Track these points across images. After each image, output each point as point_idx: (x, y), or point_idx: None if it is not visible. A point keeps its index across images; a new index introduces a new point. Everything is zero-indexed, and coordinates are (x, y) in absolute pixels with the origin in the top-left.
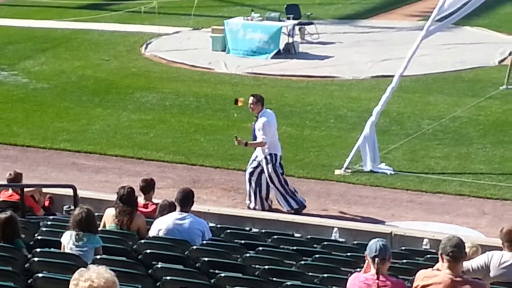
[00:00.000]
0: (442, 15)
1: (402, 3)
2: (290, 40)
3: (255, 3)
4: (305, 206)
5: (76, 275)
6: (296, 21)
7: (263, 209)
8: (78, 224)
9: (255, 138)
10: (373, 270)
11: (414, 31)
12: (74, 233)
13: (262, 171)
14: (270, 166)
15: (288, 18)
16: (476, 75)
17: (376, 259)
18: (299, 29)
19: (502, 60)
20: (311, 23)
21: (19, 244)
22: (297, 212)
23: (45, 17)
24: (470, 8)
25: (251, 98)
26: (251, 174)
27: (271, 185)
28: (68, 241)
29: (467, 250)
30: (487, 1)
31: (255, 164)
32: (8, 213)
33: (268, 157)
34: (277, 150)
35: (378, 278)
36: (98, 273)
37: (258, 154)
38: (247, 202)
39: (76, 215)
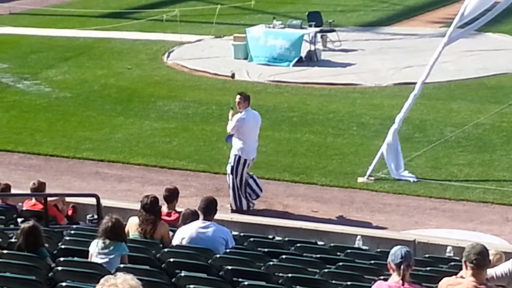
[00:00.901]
0: (464, 22)
1: (424, 10)
2: (312, 47)
3: (277, 11)
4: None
5: (102, 280)
6: (318, 29)
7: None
8: (105, 232)
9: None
10: (396, 278)
11: (436, 37)
12: (101, 241)
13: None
14: (230, 166)
15: (310, 26)
16: (499, 82)
17: (402, 266)
18: (321, 37)
19: None
20: (333, 31)
21: (43, 253)
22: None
23: (68, 26)
24: (492, 15)
25: (238, 96)
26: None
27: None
28: (94, 249)
29: (491, 257)
30: (509, 7)
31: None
32: (31, 222)
33: (234, 157)
34: (246, 155)
35: (403, 285)
36: (124, 279)
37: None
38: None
39: (104, 223)
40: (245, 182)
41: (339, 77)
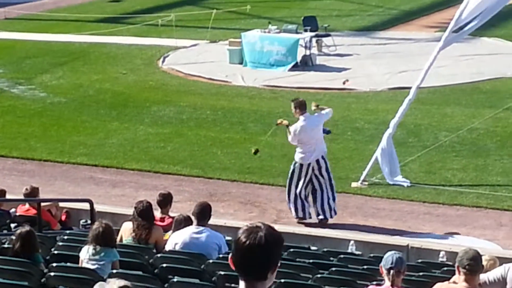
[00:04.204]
0: (459, 26)
1: (419, 14)
2: (308, 52)
3: (272, 16)
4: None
5: (96, 286)
6: (313, 33)
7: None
8: (95, 238)
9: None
10: (387, 283)
11: (432, 42)
12: (91, 247)
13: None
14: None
15: (305, 30)
16: (494, 86)
17: (392, 271)
18: (316, 41)
19: None
20: (328, 35)
21: (38, 258)
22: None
23: (63, 31)
24: (486, 17)
25: (291, 104)
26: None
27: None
28: (85, 255)
29: (484, 263)
30: (504, 11)
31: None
32: (27, 227)
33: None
34: (302, 160)
35: None
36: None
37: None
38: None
39: (94, 229)
40: (306, 188)
41: (334, 82)
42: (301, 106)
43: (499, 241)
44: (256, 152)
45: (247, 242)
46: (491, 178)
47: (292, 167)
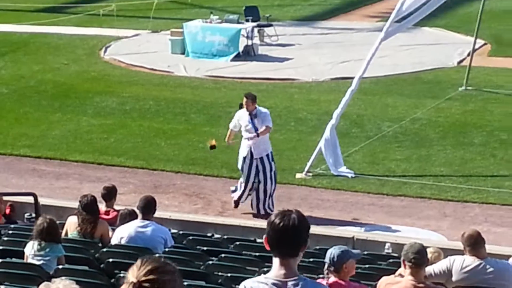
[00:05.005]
0: (401, 16)
1: (361, 4)
2: (250, 42)
3: (214, 5)
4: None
5: (42, 286)
6: (255, 23)
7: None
8: (40, 234)
9: (256, 131)
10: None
11: (373, 32)
12: (36, 242)
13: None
14: (273, 164)
15: (247, 20)
16: (436, 76)
17: (332, 268)
18: (258, 31)
19: (461, 61)
20: (270, 25)
21: None
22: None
23: (2, 21)
24: (428, 9)
25: (245, 99)
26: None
27: (271, 184)
28: (30, 251)
29: (429, 255)
30: (445, 1)
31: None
32: None
33: (270, 154)
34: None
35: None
36: (65, 284)
37: (257, 150)
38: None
39: (38, 225)
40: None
41: (276, 72)
42: (255, 98)
43: (444, 231)
44: (212, 147)
45: (282, 223)
46: (434, 168)
47: (274, 164)
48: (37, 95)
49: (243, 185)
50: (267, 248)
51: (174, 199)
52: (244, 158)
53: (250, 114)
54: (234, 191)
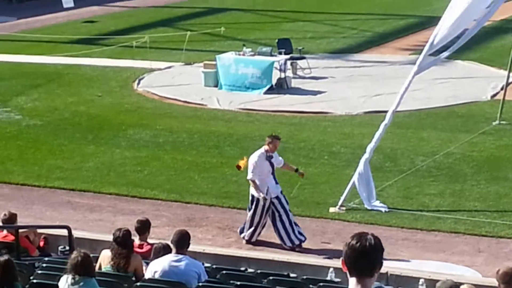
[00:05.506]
0: (434, 50)
1: (393, 37)
2: (282, 75)
3: (247, 37)
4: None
5: None
6: (288, 56)
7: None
8: (74, 268)
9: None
10: None
11: (406, 65)
12: (70, 276)
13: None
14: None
15: (280, 53)
16: (469, 110)
17: None
18: (291, 64)
19: (495, 95)
20: (303, 58)
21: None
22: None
23: (37, 52)
24: (461, 42)
25: (278, 141)
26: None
27: (285, 217)
28: (64, 285)
29: None
30: (478, 35)
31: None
32: (6, 256)
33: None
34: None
35: None
36: None
37: (274, 190)
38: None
39: (73, 258)
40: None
41: (309, 105)
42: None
43: (478, 267)
44: (238, 167)
45: (359, 244)
46: (468, 203)
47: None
48: (71, 127)
49: (254, 223)
50: (344, 269)
51: (208, 233)
52: (258, 200)
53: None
54: (242, 231)
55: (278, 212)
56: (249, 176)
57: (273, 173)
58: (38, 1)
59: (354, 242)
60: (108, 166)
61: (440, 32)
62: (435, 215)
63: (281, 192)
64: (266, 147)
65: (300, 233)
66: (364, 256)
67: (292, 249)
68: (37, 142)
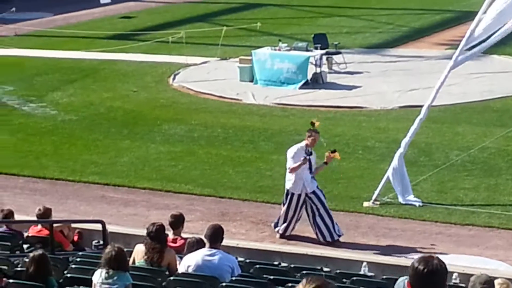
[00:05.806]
0: (471, 45)
1: (430, 32)
2: (318, 70)
3: (283, 33)
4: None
5: None
6: (323, 51)
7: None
8: (108, 262)
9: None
10: None
11: (442, 60)
12: (104, 271)
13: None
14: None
15: (316, 48)
16: (505, 105)
17: None
18: (327, 59)
19: None
20: (339, 53)
21: (51, 282)
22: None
23: (73, 48)
24: (499, 37)
25: (318, 135)
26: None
27: (324, 212)
28: (98, 279)
29: (497, 286)
30: None
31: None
32: (40, 251)
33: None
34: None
35: None
36: None
37: (310, 185)
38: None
39: (107, 253)
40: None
41: (344, 100)
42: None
43: None
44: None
45: (426, 269)
46: (503, 198)
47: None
48: (107, 122)
49: (288, 217)
50: None
51: (241, 227)
52: (298, 195)
53: (308, 151)
54: (276, 225)
55: (316, 206)
56: (289, 164)
57: (310, 168)
58: None
59: (421, 267)
60: (142, 160)
61: (477, 27)
62: (469, 209)
63: (317, 186)
64: (306, 141)
65: (338, 228)
66: (430, 281)
67: (327, 243)
68: (72, 137)
